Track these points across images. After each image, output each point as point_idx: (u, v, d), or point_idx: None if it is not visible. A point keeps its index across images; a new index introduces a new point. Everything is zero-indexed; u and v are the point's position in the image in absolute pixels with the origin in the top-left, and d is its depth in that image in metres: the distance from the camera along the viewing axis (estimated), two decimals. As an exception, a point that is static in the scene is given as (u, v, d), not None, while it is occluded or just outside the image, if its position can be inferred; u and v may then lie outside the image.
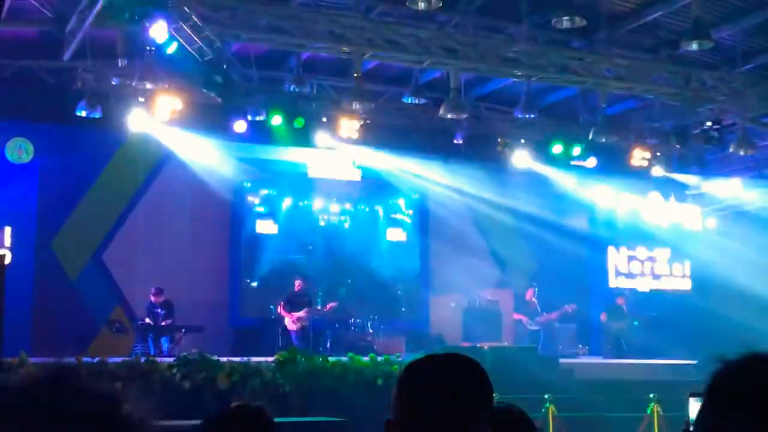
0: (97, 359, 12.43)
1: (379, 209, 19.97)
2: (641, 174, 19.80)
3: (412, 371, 2.06)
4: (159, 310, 15.96)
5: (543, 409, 12.31)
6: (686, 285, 21.46)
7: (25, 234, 16.43)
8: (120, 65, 14.96)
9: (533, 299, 18.64)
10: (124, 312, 16.91)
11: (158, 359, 13.29)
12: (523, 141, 18.65)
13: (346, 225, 19.70)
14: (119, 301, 17.11)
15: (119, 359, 12.79)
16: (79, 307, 16.39)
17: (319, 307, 17.33)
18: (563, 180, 19.74)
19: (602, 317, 19.04)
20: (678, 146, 18.58)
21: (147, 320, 15.92)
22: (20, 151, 16.52)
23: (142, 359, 13.00)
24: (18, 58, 16.03)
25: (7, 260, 14.00)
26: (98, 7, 12.88)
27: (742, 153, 17.84)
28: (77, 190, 17.04)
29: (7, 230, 16.39)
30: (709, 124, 17.89)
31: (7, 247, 16.17)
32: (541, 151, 18.84)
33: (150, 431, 1.13)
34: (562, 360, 16.18)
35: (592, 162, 18.80)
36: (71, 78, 15.91)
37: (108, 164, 17.38)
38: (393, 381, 2.05)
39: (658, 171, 19.57)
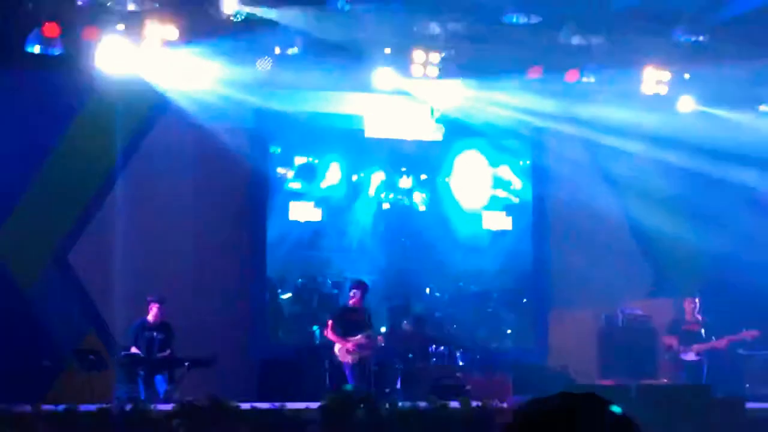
0: (62, 407, 12.68)
1: (471, 182, 19.97)
2: None
3: (524, 422, 2.05)
4: (154, 334, 16.17)
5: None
6: None
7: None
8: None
9: (696, 316, 18.46)
10: (99, 338, 17.19)
11: (152, 406, 13.50)
12: (687, 77, 18.50)
13: (421, 207, 19.76)
14: (93, 322, 17.39)
15: (94, 407, 13.01)
16: (36, 332, 16.70)
17: (381, 338, 17.36)
18: (749, 134, 19.47)
19: None
20: None
21: (133, 349, 16.13)
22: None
23: (128, 406, 13.21)
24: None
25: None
26: None
27: None
28: (28, 165, 17.32)
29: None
30: None
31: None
32: (715, 92, 18.69)
33: None
34: (750, 405, 16.04)
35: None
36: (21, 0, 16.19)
37: (72, 124, 17.64)
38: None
39: None
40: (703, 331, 18.37)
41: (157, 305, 16.26)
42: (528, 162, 20.15)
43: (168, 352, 16.17)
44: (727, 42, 18.38)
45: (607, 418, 2.05)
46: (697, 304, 18.52)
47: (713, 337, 18.30)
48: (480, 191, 20.01)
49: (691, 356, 18.18)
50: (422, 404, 13.96)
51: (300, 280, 19.12)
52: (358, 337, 17.00)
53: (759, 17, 18.26)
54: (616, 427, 2.04)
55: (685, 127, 19.24)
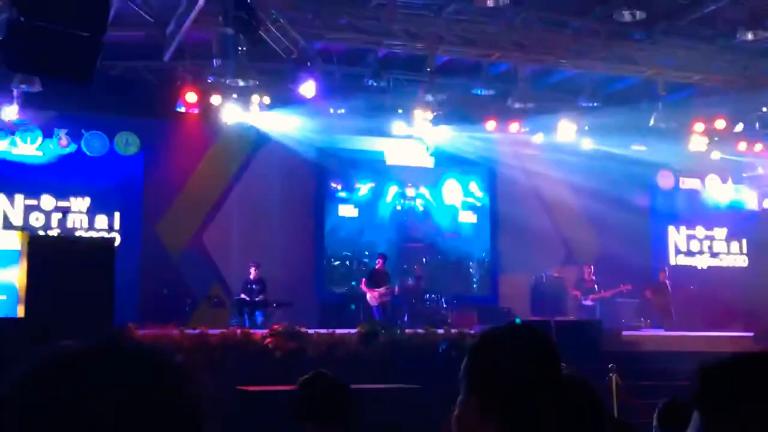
0: (197, 331, 12.71)
1: (452, 193, 19.90)
2: (700, 157, 19.38)
3: (484, 340, 2.04)
4: (254, 287, 16.19)
5: (606, 379, 12.17)
6: (743, 262, 20.98)
7: (132, 218, 16.86)
8: (215, 65, 15.20)
9: (591, 277, 18.41)
10: (221, 288, 17.22)
11: (252, 331, 13.51)
12: (587, 128, 18.44)
13: (421, 208, 19.71)
14: (217, 278, 17.42)
15: (218, 331, 13.03)
16: (180, 284, 16.74)
17: (396, 289, 17.30)
18: (626, 163, 19.41)
19: (647, 294, 18.63)
20: (735, 131, 18.13)
21: (243, 296, 16.17)
22: (127, 143, 16.93)
23: (238, 331, 13.23)
24: (124, 59, 16.39)
25: (117, 242, 14.44)
26: (195, 11, 13.10)
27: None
28: (179, 178, 17.39)
29: (116, 215, 16.87)
30: (764, 109, 17.42)
31: (116, 230, 16.65)
32: (605, 137, 18.62)
33: (202, 383, 1.14)
34: (625, 333, 15.96)
35: (653, 147, 18.50)
36: (172, 77, 16.23)
37: (206, 154, 17.70)
38: (465, 352, 2.04)
39: (716, 154, 19.14)
40: (596, 286, 18.32)
41: (254, 267, 16.28)
42: (487, 180, 20.04)
43: (263, 297, 16.19)
44: (611, 106, 18.32)
45: (532, 335, 2.04)
46: (592, 269, 18.48)
47: (602, 290, 18.26)
48: (457, 198, 19.94)
49: (588, 302, 18.13)
50: (420, 330, 13.93)
51: (345, 252, 19.09)
52: (381, 288, 16.97)
53: (630, 91, 18.25)
54: (538, 339, 2.03)
55: (586, 158, 19.19)
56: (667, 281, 18.67)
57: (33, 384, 1.03)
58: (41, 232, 15.87)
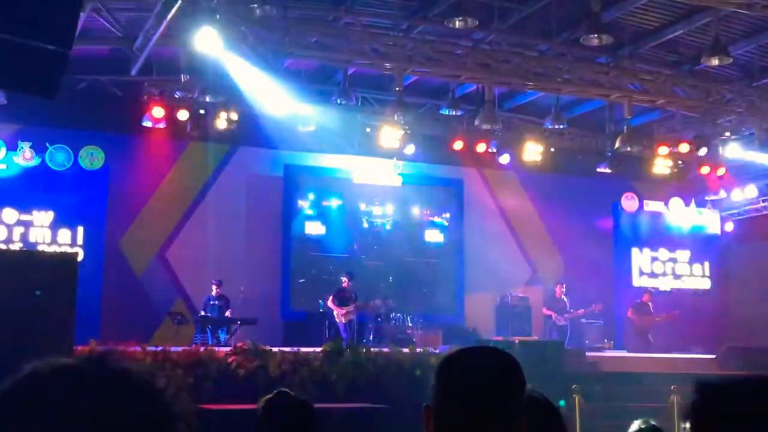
0: (160, 348, 12.59)
1: (419, 212, 19.95)
2: (664, 180, 19.61)
3: (449, 363, 2.05)
4: (216, 303, 16.11)
5: (570, 399, 12.23)
6: (705, 284, 21.21)
7: (96, 233, 16.68)
8: (182, 80, 15.15)
9: (562, 296, 18.50)
10: (185, 305, 17.08)
11: (216, 349, 13.40)
12: (552, 150, 18.59)
13: (388, 227, 19.72)
14: (181, 295, 17.28)
15: (180, 348, 12.91)
16: (144, 301, 16.60)
17: (361, 306, 17.26)
18: (591, 185, 19.60)
19: (629, 313, 18.83)
20: (698, 155, 18.38)
21: (204, 313, 16.05)
22: (92, 158, 16.76)
23: (201, 349, 13.12)
24: (90, 73, 16.29)
25: (80, 257, 14.26)
26: (163, 26, 13.07)
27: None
28: (143, 194, 17.26)
29: (80, 230, 16.67)
30: (727, 134, 17.72)
31: (79, 245, 16.45)
32: (570, 159, 18.79)
33: (188, 406, 1.12)
34: (588, 353, 16.04)
35: (617, 169, 18.69)
36: (138, 91, 16.15)
37: (171, 170, 17.59)
38: (430, 371, 2.06)
39: (679, 177, 19.39)
40: (568, 305, 18.41)
41: (216, 285, 16.20)
42: (454, 200, 20.09)
43: (226, 314, 16.09)
44: (576, 128, 18.54)
45: (492, 351, 2.06)
46: (564, 288, 18.58)
47: (573, 309, 18.35)
48: (423, 217, 19.99)
49: (562, 322, 18.20)
50: (386, 349, 13.90)
51: (311, 270, 19.01)
52: (349, 306, 16.95)
53: (592, 115, 18.47)
54: (499, 356, 2.05)
55: (551, 180, 19.32)
56: (650, 303, 18.79)
57: (13, 399, 1.01)
58: (2, 246, 15.65)
